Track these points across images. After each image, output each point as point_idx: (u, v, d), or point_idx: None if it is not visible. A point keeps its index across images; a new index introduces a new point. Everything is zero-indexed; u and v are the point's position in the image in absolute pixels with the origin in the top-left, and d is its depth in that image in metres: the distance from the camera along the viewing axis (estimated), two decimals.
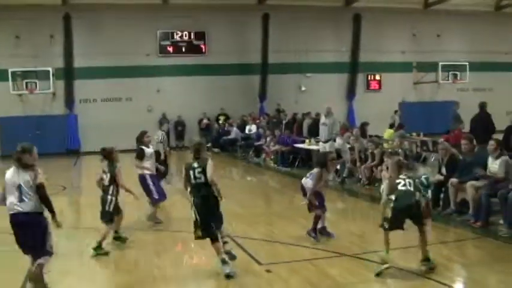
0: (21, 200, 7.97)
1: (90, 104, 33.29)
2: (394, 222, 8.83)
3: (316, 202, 11.04)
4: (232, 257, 9.26)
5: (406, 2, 36.78)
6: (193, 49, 34.72)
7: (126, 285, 8.90)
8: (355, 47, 36.64)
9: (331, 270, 8.98)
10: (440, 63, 36.42)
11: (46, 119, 30.55)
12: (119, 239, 11.21)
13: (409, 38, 37.61)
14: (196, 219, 9.17)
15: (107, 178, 10.81)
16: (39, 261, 8.14)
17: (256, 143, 26.93)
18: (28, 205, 7.99)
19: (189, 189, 9.37)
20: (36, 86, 30.95)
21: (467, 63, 36.44)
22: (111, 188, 10.74)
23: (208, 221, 9.15)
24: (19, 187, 7.98)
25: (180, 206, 13.98)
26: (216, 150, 30.95)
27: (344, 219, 13.44)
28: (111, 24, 32.94)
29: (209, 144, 31.79)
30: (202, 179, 9.21)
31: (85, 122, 32.42)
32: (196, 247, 10.51)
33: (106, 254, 10.49)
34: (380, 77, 37.76)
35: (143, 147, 12.97)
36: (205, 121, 33.65)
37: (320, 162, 11.36)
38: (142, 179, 12.80)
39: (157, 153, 14.81)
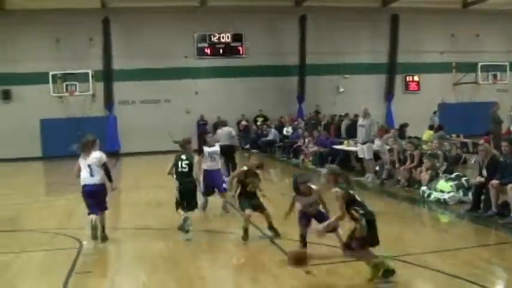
0: (91, 175, 11.24)
1: (129, 106, 33.68)
2: (374, 237, 8.34)
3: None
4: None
5: (444, 2, 36.46)
6: (230, 51, 34.93)
7: (163, 285, 8.93)
8: (392, 47, 36.41)
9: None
10: (480, 64, 36.03)
11: (86, 120, 30.84)
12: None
13: (447, 38, 37.20)
14: (177, 199, 11.74)
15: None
16: (101, 214, 11.45)
17: (295, 145, 26.84)
18: (96, 179, 11.30)
19: (174, 175, 11.84)
20: (76, 88, 31.45)
21: (507, 63, 35.99)
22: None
23: (186, 200, 11.72)
24: (89, 166, 11.23)
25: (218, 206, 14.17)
26: (254, 151, 30.98)
27: (382, 221, 13.24)
28: (149, 26, 33.24)
29: (247, 146, 31.91)
30: (187, 169, 11.80)
31: (124, 124, 32.82)
32: (235, 247, 10.56)
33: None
34: (419, 78, 37.41)
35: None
36: (243, 123, 33.72)
37: (293, 187, 10.50)
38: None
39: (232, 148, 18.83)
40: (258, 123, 33.54)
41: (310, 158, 24.14)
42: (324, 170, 8.54)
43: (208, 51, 34.80)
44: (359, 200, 8.48)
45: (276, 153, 29.05)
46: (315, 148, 23.78)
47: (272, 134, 30.11)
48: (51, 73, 31.11)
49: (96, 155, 11.43)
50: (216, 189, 14.45)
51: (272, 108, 34.06)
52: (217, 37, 34.98)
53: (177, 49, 33.66)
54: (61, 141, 28.35)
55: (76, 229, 12.58)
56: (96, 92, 32.84)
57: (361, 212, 8.27)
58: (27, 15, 31.77)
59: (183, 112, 33.61)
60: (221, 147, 17.40)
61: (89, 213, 11.41)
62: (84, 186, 11.37)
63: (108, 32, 33.24)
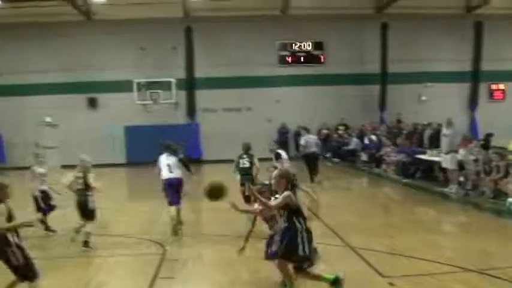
0: (170, 172, 13.45)
1: (211, 114, 34.07)
2: (311, 257, 8.10)
3: None
4: None
5: None
6: (312, 59, 34.88)
7: None
8: (476, 55, 35.57)
9: (455, 285, 8.70)
10: None
11: (169, 128, 31.16)
12: None
13: None
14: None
15: None
16: (179, 206, 13.45)
17: (377, 154, 26.55)
18: (175, 174, 13.48)
19: (236, 170, 14.95)
20: (159, 96, 32.04)
21: None
22: None
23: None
24: (168, 165, 13.48)
25: None
26: (335, 160, 30.77)
27: (467, 233, 13.09)
28: (231, 35, 33.60)
29: (329, 155, 31.68)
30: (247, 165, 14.89)
31: (206, 131, 33.24)
32: None
33: None
34: (504, 86, 36.44)
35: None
36: (324, 131, 33.50)
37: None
38: None
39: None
40: (340, 131, 33.28)
41: (393, 168, 23.85)
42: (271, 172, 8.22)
43: (289, 59, 34.93)
44: (303, 212, 8.14)
45: (358, 162, 28.78)
46: (397, 157, 23.51)
47: (353, 142, 29.88)
48: (135, 81, 31.84)
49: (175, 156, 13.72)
50: None
51: (353, 117, 33.72)
52: (298, 45, 35.07)
53: (259, 57, 33.85)
54: (144, 148, 28.99)
55: (159, 235, 12.84)
56: (178, 100, 33.38)
57: (304, 225, 7.99)
58: (112, 25, 32.75)
59: (264, 120, 33.76)
60: (308, 154, 20.89)
61: (169, 204, 13.44)
62: (165, 180, 13.48)
63: (191, 40, 33.84)
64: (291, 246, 7.89)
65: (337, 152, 31.45)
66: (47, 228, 13.67)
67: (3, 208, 7.64)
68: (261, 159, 15.60)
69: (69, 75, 32.94)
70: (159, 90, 32.16)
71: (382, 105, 35.05)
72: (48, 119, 33.18)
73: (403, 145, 24.25)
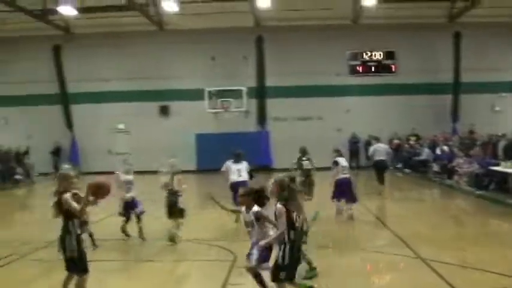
0: (239, 176, 15.72)
1: (281, 122, 34.28)
2: (292, 270, 7.71)
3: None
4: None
5: None
6: (383, 69, 34.70)
7: None
8: None
9: None
10: None
11: (239, 135, 31.53)
12: None
13: None
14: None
15: None
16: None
17: (449, 165, 26.08)
18: (242, 178, 15.69)
19: (299, 171, 16.88)
20: (230, 104, 32.32)
21: None
22: None
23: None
24: (239, 170, 15.79)
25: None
26: (406, 170, 30.36)
27: None
28: (301, 44, 33.76)
29: (400, 165, 31.26)
30: (309, 166, 17.20)
31: (277, 140, 33.43)
32: (387, 267, 10.41)
33: None
34: None
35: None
36: (395, 141, 33.11)
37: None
38: None
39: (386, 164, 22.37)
40: (411, 141, 32.80)
41: (465, 179, 23.36)
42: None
43: (360, 69, 34.79)
44: (297, 224, 7.70)
45: (429, 173, 28.30)
46: (470, 169, 23.03)
47: (425, 153, 29.40)
48: (207, 90, 32.25)
49: (245, 163, 16.02)
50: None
51: (424, 127, 33.23)
52: (369, 55, 34.92)
53: (329, 67, 33.89)
54: (214, 155, 29.23)
55: (229, 241, 12.93)
56: (249, 108, 33.65)
57: (292, 237, 7.61)
58: (183, 34, 33.47)
59: (334, 129, 33.70)
60: (376, 162, 21.72)
61: (233, 203, 14.35)
62: (233, 182, 15.59)
63: (262, 49, 34.09)
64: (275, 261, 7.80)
65: (408, 162, 31.03)
66: (124, 232, 13.82)
67: (69, 197, 7.82)
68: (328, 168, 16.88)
69: (141, 83, 33.79)
70: (230, 99, 32.48)
71: (455, 116, 34.47)
72: (120, 126, 33.97)
73: (477, 156, 23.75)
